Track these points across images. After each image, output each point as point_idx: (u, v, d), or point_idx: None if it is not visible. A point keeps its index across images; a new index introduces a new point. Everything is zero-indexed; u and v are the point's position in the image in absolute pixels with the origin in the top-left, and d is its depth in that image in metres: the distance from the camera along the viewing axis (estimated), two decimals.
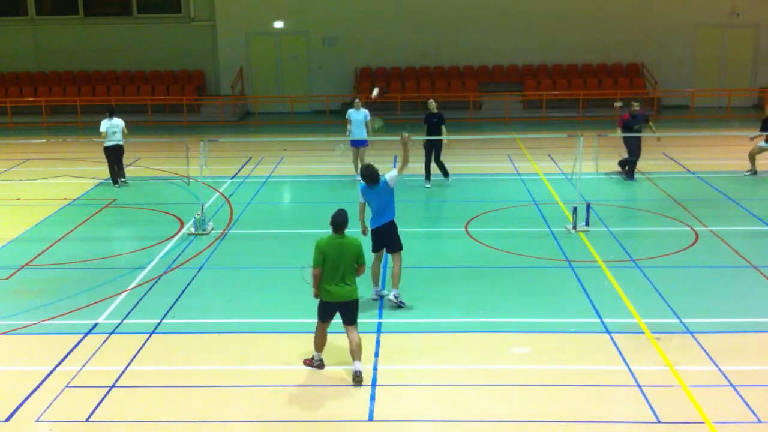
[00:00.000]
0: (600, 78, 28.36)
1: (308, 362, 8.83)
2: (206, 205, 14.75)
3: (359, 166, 16.99)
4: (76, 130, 25.80)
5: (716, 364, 8.73)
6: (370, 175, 10.13)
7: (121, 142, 17.48)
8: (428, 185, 17.17)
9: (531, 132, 24.04)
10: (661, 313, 10.16)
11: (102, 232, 14.49)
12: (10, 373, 8.88)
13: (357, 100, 17.69)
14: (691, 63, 28.72)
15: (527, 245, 13.10)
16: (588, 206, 13.88)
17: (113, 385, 8.48)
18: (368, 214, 10.55)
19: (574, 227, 13.71)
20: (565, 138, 16.62)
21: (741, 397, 8.05)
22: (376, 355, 9.08)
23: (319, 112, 28.47)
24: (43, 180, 18.47)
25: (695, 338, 9.40)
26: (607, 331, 9.63)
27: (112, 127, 17.38)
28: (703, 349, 9.11)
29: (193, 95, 28.50)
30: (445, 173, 17.28)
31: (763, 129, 17.51)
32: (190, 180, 15.76)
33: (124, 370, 8.83)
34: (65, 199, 16.56)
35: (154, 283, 11.55)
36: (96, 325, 10.03)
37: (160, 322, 10.13)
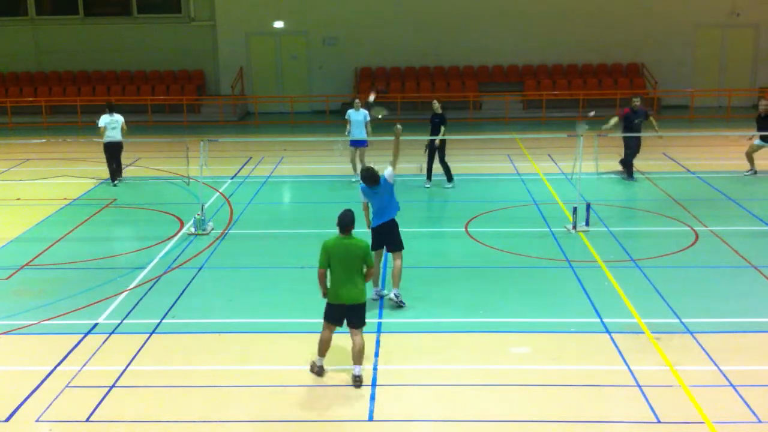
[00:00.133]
0: (600, 78, 28.35)
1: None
2: (206, 205, 14.75)
3: (358, 166, 17.02)
4: (76, 130, 25.77)
5: (716, 364, 8.73)
6: (370, 177, 10.18)
7: (119, 139, 17.45)
8: (428, 185, 17.15)
9: (531, 132, 24.02)
10: (661, 313, 10.16)
11: (102, 232, 14.49)
12: (10, 373, 8.88)
13: (357, 101, 17.69)
14: (691, 63, 28.71)
15: (527, 245, 13.10)
16: (588, 206, 13.88)
17: (113, 385, 8.48)
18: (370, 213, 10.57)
19: (574, 227, 13.70)
20: (565, 138, 16.61)
21: (741, 397, 8.06)
22: (376, 355, 9.08)
23: (319, 112, 28.46)
24: (43, 180, 18.46)
25: (695, 338, 9.40)
26: (607, 331, 9.63)
27: (112, 122, 17.34)
28: (703, 349, 9.12)
29: (193, 95, 28.49)
30: (449, 177, 17.16)
31: (758, 128, 17.52)
32: (190, 180, 15.75)
33: (124, 370, 8.83)
34: (65, 199, 16.56)
35: (154, 283, 11.55)
36: (96, 325, 10.03)
37: (160, 322, 10.13)
